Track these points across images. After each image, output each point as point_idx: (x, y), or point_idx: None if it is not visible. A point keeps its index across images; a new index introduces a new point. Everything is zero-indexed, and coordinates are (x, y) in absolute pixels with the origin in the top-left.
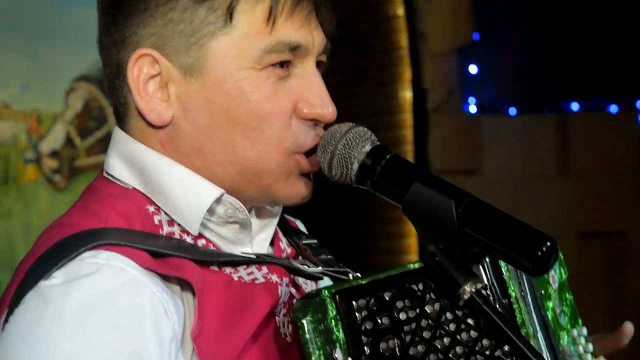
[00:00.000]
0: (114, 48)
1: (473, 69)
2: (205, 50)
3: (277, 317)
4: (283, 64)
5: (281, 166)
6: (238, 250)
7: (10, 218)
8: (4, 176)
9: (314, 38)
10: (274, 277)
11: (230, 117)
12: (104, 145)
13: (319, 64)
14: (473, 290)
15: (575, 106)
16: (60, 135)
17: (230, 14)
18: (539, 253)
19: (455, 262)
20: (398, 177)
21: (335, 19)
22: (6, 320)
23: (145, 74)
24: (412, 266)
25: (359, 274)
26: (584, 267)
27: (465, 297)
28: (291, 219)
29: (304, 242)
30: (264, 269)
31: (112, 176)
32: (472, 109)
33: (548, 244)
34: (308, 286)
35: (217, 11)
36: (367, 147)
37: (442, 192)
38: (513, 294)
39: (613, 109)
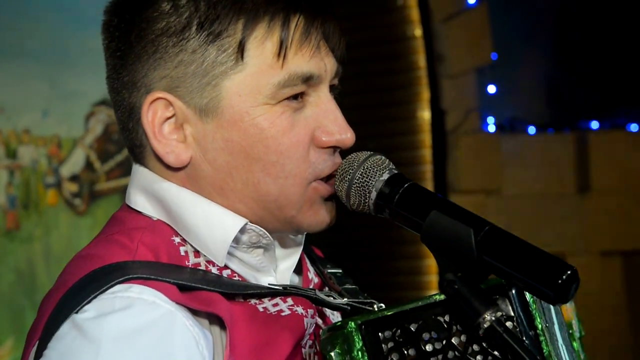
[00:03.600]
0: (125, 91)
1: (492, 88)
2: (219, 90)
3: (303, 349)
4: (297, 96)
5: (302, 197)
6: (263, 279)
7: (31, 242)
8: (24, 201)
9: (325, 65)
10: (300, 309)
11: (249, 154)
12: (123, 169)
13: (331, 87)
14: (493, 318)
15: (594, 125)
16: (80, 160)
17: (240, 52)
18: (560, 281)
19: (474, 291)
20: (416, 205)
21: (345, 41)
22: (38, 354)
23: (159, 117)
24: (437, 297)
25: (383, 305)
26: (605, 286)
27: (486, 325)
28: (316, 248)
29: (328, 271)
30: (289, 300)
31: (135, 210)
32: (491, 128)
33: (569, 272)
34: (335, 316)
35: (227, 50)
36: (385, 176)
37: (460, 220)
38: (539, 326)
39: (633, 127)
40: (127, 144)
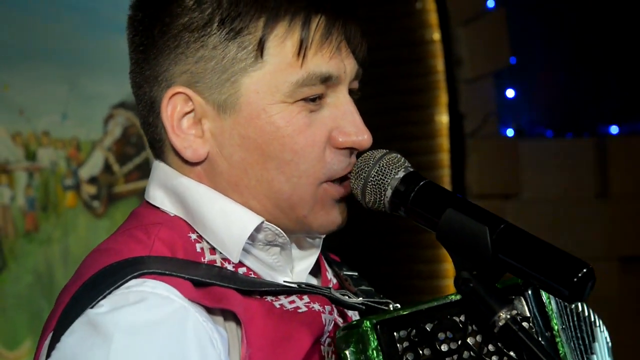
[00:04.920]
0: (147, 85)
1: (510, 92)
2: (237, 86)
3: (322, 347)
4: (315, 99)
5: (314, 196)
6: (279, 278)
7: (49, 244)
8: (43, 203)
9: (345, 67)
10: (316, 306)
11: (264, 152)
12: (142, 171)
13: (352, 91)
14: (508, 316)
15: (614, 129)
16: (99, 162)
17: (260, 49)
18: (575, 279)
19: (490, 289)
20: (431, 203)
21: (366, 44)
22: (51, 346)
23: (179, 112)
24: (453, 297)
25: (399, 305)
26: (624, 291)
27: (500, 323)
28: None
29: (344, 273)
30: (305, 298)
31: (154, 206)
32: (510, 132)
33: (584, 270)
34: (356, 317)
35: (247, 47)
36: (401, 174)
37: (476, 218)
38: (556, 327)
39: None
40: (148, 140)
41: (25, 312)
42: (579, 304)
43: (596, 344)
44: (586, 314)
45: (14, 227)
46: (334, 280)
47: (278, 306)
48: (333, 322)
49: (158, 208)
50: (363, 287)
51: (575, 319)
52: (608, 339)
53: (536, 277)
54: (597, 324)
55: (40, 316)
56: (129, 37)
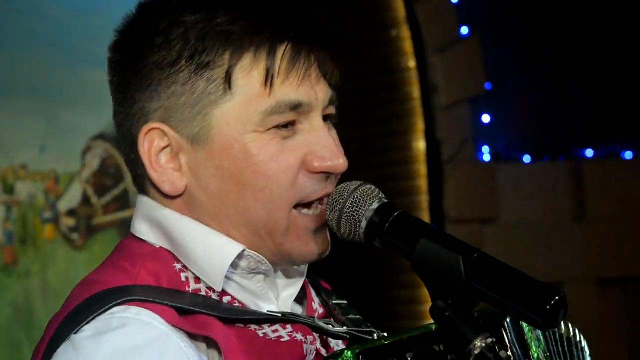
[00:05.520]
0: (127, 123)
1: (486, 118)
2: (209, 119)
3: None
4: (287, 125)
5: (286, 221)
6: (264, 307)
7: (28, 277)
8: (22, 236)
9: (317, 93)
10: (299, 336)
11: (239, 181)
12: (120, 203)
13: (328, 117)
14: (483, 345)
15: (589, 153)
16: (78, 194)
17: (228, 81)
18: (548, 307)
19: (465, 318)
20: (406, 234)
21: (338, 69)
22: None
23: (156, 147)
24: (434, 327)
25: (385, 334)
26: (603, 313)
27: (476, 352)
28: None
29: (334, 302)
30: (289, 327)
31: (139, 238)
32: (487, 157)
33: (557, 297)
34: (340, 347)
35: (216, 81)
36: (375, 205)
37: (450, 248)
38: (535, 355)
39: (628, 155)
40: (132, 176)
41: (4, 345)
42: (570, 328)
43: None
44: (577, 339)
45: None
46: (320, 310)
47: (261, 335)
48: (315, 352)
49: (143, 240)
50: (351, 317)
51: (564, 344)
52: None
53: (509, 306)
54: (583, 347)
55: (19, 349)
56: (109, 79)
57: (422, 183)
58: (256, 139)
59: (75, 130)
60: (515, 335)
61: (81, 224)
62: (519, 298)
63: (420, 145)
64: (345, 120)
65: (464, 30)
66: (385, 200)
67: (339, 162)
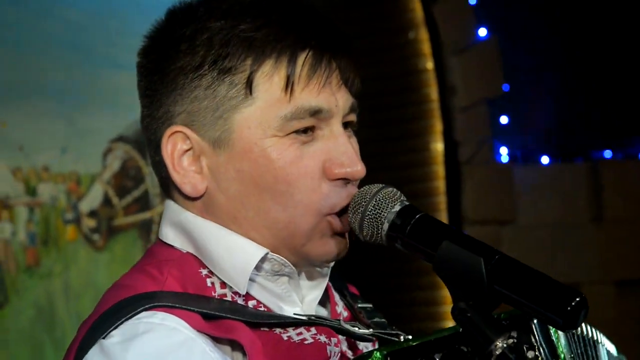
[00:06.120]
0: (153, 126)
1: (504, 119)
2: (230, 123)
3: None
4: (307, 130)
5: (313, 227)
6: (289, 309)
7: (50, 278)
8: (44, 237)
9: (337, 100)
10: (322, 338)
11: (259, 184)
12: (141, 204)
13: (348, 124)
14: (505, 345)
15: (607, 154)
16: (99, 195)
17: (249, 87)
18: (569, 308)
19: (486, 319)
20: (427, 236)
21: (359, 77)
22: None
23: (178, 150)
24: (461, 328)
25: (410, 337)
26: (620, 315)
27: (497, 352)
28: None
29: (359, 305)
30: (313, 329)
31: (166, 243)
32: (504, 159)
33: (577, 299)
34: (367, 348)
35: (237, 86)
36: (397, 207)
37: (471, 249)
38: (562, 355)
39: None
40: (158, 179)
41: (27, 346)
42: (589, 329)
43: None
44: (595, 338)
45: (15, 262)
46: (345, 314)
47: (286, 338)
48: (339, 353)
49: (171, 246)
50: (376, 320)
51: (584, 345)
52: (615, 352)
53: (530, 307)
54: (601, 342)
55: (41, 350)
56: (138, 84)
57: (440, 184)
58: (276, 144)
59: (94, 132)
60: (543, 335)
61: (102, 224)
62: (540, 299)
63: (438, 146)
64: (363, 122)
65: (482, 31)
66: (407, 203)
67: (357, 169)
